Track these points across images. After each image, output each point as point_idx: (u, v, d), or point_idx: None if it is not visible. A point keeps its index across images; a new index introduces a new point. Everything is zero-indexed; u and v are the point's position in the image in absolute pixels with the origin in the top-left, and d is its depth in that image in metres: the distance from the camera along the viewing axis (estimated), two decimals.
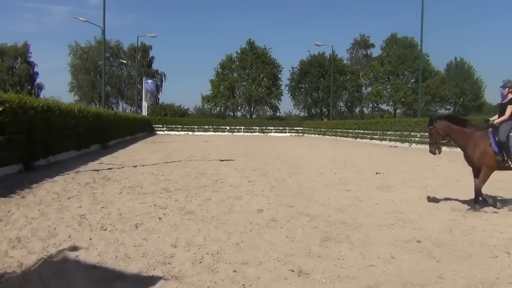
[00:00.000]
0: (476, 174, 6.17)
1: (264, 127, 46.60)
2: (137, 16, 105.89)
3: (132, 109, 58.28)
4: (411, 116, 48.15)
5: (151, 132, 38.92)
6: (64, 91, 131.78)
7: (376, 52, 64.63)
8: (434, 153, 6.32)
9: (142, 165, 11.27)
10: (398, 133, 25.71)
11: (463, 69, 62.35)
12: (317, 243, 4.26)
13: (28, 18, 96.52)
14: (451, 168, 11.81)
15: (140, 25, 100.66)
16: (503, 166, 5.91)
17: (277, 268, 3.52)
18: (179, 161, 12.86)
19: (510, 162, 5.80)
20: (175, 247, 4.04)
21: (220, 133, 43.69)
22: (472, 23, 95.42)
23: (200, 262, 3.62)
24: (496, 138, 5.86)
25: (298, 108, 63.86)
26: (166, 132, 41.03)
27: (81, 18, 29.23)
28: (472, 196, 6.17)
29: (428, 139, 6.57)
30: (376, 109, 64.64)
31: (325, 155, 16.51)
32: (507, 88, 6.13)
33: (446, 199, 6.73)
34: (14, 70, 63.40)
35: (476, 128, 6.19)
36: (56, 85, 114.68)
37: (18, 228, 4.53)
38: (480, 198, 6.14)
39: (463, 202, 6.46)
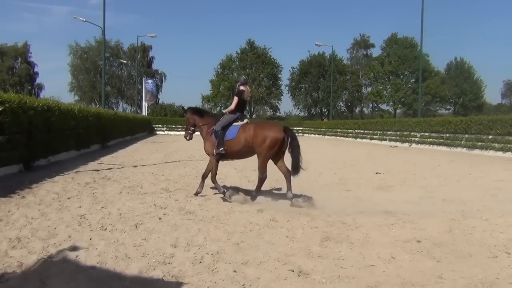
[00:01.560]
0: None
1: None
2: (137, 16, 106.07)
3: (132, 109, 58.24)
4: (411, 116, 48.19)
5: (151, 132, 38.89)
6: (64, 91, 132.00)
7: (376, 52, 64.64)
8: (186, 138, 7.07)
9: (142, 165, 11.28)
10: (398, 133, 25.72)
11: (463, 69, 62.35)
12: (317, 243, 4.25)
13: (28, 18, 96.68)
14: (451, 168, 11.82)
15: (140, 25, 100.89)
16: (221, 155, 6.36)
17: (277, 268, 3.51)
18: (179, 161, 12.87)
19: (215, 151, 6.32)
20: (175, 247, 4.04)
21: None
22: (472, 23, 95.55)
23: (200, 262, 3.62)
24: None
25: (298, 108, 63.95)
26: (166, 132, 40.98)
27: (81, 18, 29.27)
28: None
29: None
30: (376, 109, 64.65)
31: (325, 155, 16.50)
32: (238, 83, 6.79)
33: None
34: (14, 70, 63.33)
35: (211, 119, 6.69)
36: (56, 85, 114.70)
37: (18, 228, 4.53)
38: (225, 192, 6.40)
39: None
